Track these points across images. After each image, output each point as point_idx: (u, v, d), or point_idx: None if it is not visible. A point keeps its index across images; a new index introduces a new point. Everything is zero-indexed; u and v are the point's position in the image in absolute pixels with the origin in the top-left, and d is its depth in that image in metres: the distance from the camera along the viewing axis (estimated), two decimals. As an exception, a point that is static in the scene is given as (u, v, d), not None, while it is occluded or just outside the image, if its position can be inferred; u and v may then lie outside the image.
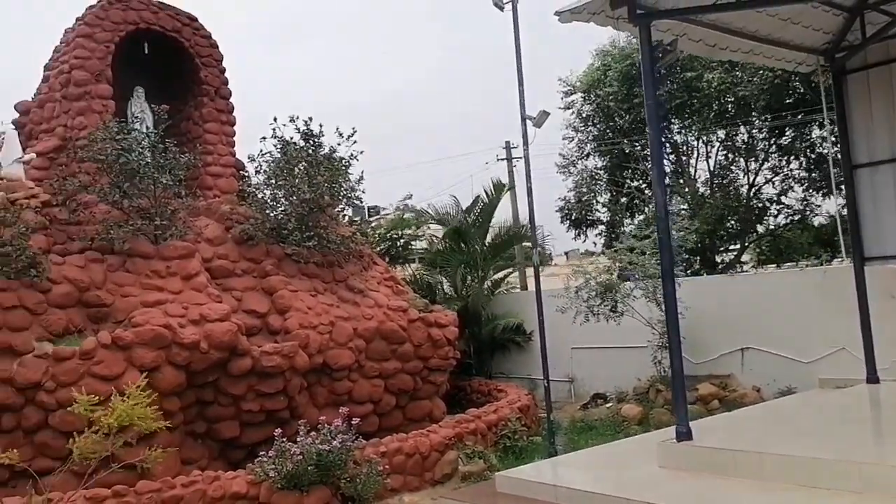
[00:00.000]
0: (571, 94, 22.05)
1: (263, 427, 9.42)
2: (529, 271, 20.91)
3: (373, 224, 18.09)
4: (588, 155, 22.39)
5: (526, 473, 7.37)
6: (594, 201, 22.18)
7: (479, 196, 15.58)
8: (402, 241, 16.00)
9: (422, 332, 11.39)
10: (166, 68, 12.82)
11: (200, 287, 9.95)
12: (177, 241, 10.31)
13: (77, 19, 11.94)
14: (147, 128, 11.49)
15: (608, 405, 12.12)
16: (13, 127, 11.75)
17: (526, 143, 9.22)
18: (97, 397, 7.61)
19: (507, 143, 26.89)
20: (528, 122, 9.25)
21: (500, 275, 15.81)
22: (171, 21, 12.35)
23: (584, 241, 24.59)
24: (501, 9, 9.22)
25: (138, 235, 10.06)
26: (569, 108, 22.30)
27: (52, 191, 10.28)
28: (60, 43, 12.16)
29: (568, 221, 23.38)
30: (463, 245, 15.26)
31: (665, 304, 7.14)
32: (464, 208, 15.49)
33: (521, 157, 29.75)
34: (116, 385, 8.18)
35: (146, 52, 12.35)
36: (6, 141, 10.86)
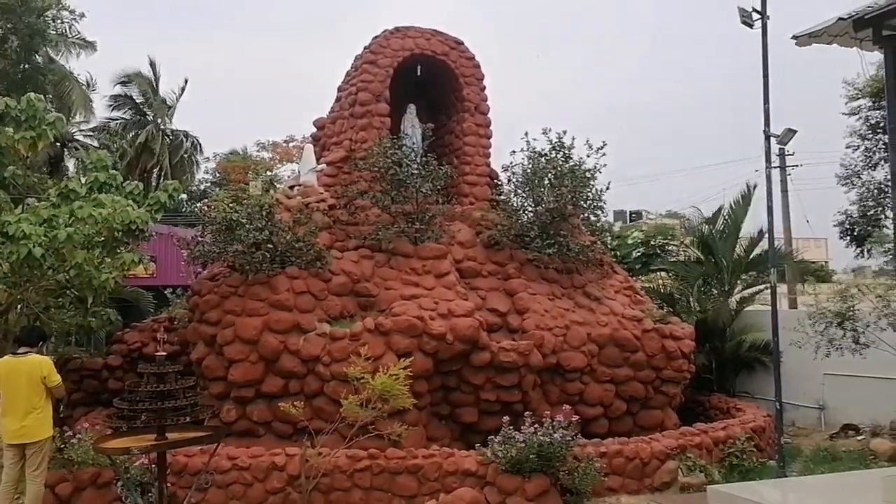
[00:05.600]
0: (857, 98, 20.23)
1: (499, 416, 10.17)
2: (786, 288, 19.67)
3: (625, 233, 18.37)
4: (876, 165, 20.35)
5: (736, 490, 7.29)
6: (882, 216, 20.06)
7: (721, 207, 15.18)
8: (643, 250, 16.10)
9: (655, 342, 11.54)
10: (433, 86, 14.31)
11: (450, 285, 11.14)
12: (433, 242, 11.64)
13: (364, 48, 13.80)
14: (414, 143, 12.97)
15: (860, 437, 11.25)
16: (310, 141, 14.04)
17: (768, 160, 9.02)
18: (366, 372, 9.04)
19: (782, 150, 25.34)
20: (771, 139, 9.05)
21: (751, 290, 15.17)
22: (440, 46, 13.71)
23: (869, 258, 22.43)
24: (751, 26, 9.11)
25: (401, 237, 11.56)
26: (854, 114, 20.49)
27: (337, 195, 12.17)
28: (351, 68, 14.06)
29: (849, 237, 21.49)
30: (708, 257, 14.95)
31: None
32: (706, 218, 15.19)
33: (797, 165, 27.68)
34: (377, 365, 9.52)
35: (419, 73, 13.91)
36: (304, 153, 13.06)
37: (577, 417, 9.39)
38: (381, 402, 8.92)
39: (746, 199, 14.79)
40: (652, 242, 17.26)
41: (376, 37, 13.53)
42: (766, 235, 11.47)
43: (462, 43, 13.90)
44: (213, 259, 10.94)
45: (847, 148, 20.47)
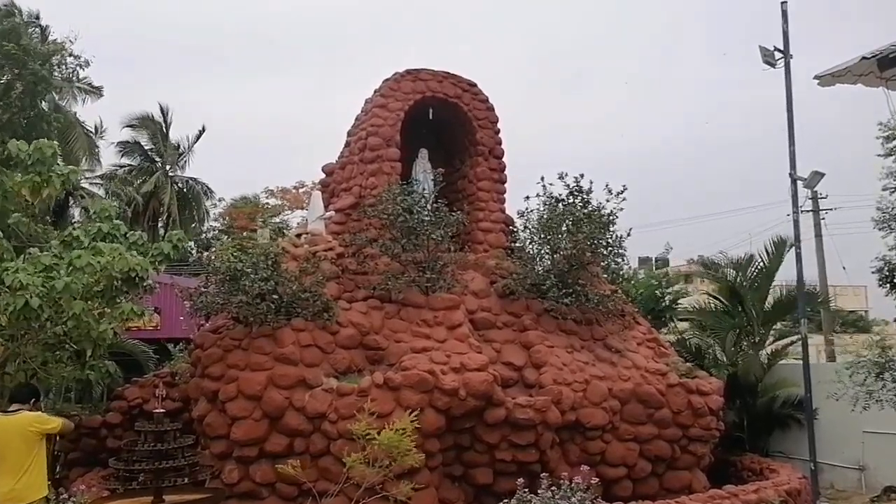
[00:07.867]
0: (893, 139, 19.74)
1: (516, 477, 9.60)
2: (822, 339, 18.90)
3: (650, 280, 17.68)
4: (918, 208, 19.67)
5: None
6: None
7: (749, 252, 14.53)
8: (666, 299, 15.49)
9: (681, 398, 10.92)
10: (445, 129, 14.02)
11: (463, 337, 10.66)
12: (445, 292, 11.19)
13: (374, 91, 13.59)
14: (425, 189, 12.62)
15: (905, 502, 10.53)
16: (319, 187, 13.76)
17: (795, 204, 8.57)
18: (372, 429, 8.54)
19: (815, 193, 24.46)
20: (798, 182, 8.61)
21: (784, 342, 14.49)
22: (453, 88, 13.46)
23: (913, 307, 21.71)
24: (773, 66, 8.77)
25: (412, 286, 11.13)
26: (891, 155, 19.97)
27: (345, 244, 11.80)
28: (361, 112, 13.82)
29: (889, 285, 20.76)
30: (737, 307, 14.29)
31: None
32: (733, 262, 14.56)
33: (831, 209, 26.50)
34: (386, 422, 9.00)
35: (431, 117, 13.63)
36: (312, 200, 12.76)
37: (598, 479, 8.80)
38: (388, 459, 8.42)
39: (779, 248, 14.03)
40: (658, 294, 16.52)
41: (387, 79, 13.33)
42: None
43: (475, 85, 13.67)
44: (216, 310, 10.56)
45: (884, 190, 19.81)
